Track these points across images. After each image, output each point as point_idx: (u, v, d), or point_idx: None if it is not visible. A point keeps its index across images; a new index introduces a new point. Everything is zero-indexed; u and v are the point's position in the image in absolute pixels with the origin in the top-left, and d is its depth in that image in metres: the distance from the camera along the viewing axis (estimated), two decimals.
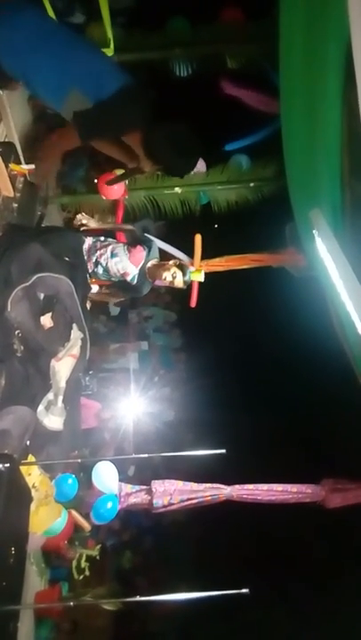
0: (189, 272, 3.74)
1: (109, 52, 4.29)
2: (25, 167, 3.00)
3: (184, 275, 3.54)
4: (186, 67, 4.60)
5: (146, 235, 3.68)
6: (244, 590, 2.18)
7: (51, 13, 3.84)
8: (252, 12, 4.29)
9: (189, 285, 4.68)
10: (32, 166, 3.03)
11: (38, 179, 3.20)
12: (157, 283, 3.72)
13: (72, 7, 4.35)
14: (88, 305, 3.45)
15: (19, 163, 2.99)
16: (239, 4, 4.39)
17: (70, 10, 4.34)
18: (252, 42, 4.31)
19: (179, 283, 3.52)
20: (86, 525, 4.81)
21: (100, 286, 4.10)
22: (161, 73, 4.58)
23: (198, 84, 4.65)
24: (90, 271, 3.48)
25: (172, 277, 3.48)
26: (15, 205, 3.02)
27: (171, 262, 3.58)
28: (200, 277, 4.56)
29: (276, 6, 3.17)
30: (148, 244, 3.55)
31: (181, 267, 3.56)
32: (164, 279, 3.49)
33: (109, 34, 4.18)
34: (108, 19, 4.05)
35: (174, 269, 3.49)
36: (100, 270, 3.41)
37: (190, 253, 4.76)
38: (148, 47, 4.46)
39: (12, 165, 2.89)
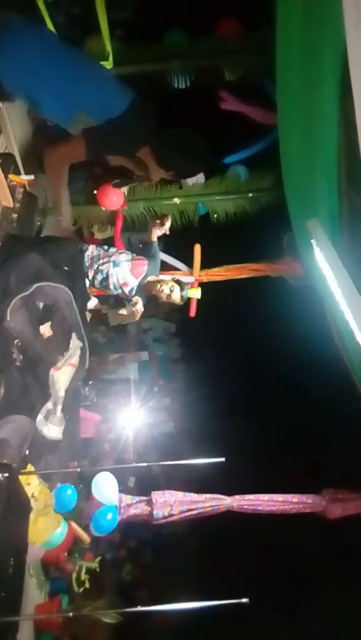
0: (187, 288, 3.81)
1: (108, 64, 4.35)
2: (24, 178, 3.02)
3: (182, 290, 3.60)
4: (184, 79, 4.64)
5: (150, 248, 3.73)
6: (243, 600, 2.16)
7: (50, 27, 3.89)
8: (250, 23, 4.33)
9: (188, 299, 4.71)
10: (31, 177, 3.06)
11: (55, 198, 3.22)
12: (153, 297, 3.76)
13: (71, 21, 4.40)
14: (88, 316, 3.47)
15: (18, 173, 3.02)
16: (236, 16, 4.43)
17: (69, 23, 4.39)
18: (250, 53, 4.35)
19: (176, 297, 3.59)
20: (86, 537, 4.78)
21: (98, 297, 4.12)
22: (159, 85, 4.62)
23: (196, 96, 4.69)
24: (89, 278, 3.51)
25: (170, 291, 3.55)
26: (14, 216, 3.04)
27: (169, 277, 3.64)
28: (197, 294, 4.60)
29: (273, 17, 3.21)
30: (151, 259, 3.61)
31: (179, 282, 3.63)
32: (162, 292, 3.54)
33: (108, 47, 4.23)
34: (107, 32, 4.11)
35: (172, 283, 3.57)
36: (99, 278, 3.43)
37: (189, 264, 4.79)
38: (146, 60, 4.50)
39: (11, 176, 2.91)
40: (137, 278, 3.51)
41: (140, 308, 3.46)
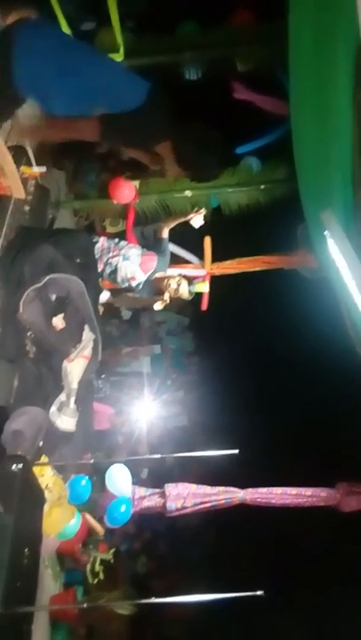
0: (195, 283, 3.82)
1: (119, 56, 4.33)
2: (36, 170, 3.02)
3: (189, 284, 3.62)
4: (196, 70, 4.61)
5: (161, 243, 3.74)
6: (258, 592, 2.16)
7: (61, 19, 3.88)
8: (263, 13, 4.29)
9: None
10: (43, 169, 3.05)
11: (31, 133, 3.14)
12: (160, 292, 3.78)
13: (82, 13, 4.38)
14: (100, 310, 3.48)
15: (30, 166, 3.02)
16: (249, 7, 4.39)
17: (80, 16, 4.37)
18: (262, 44, 4.30)
19: (184, 292, 3.60)
20: (100, 529, 4.81)
21: (111, 290, 4.14)
22: (171, 77, 4.59)
23: (208, 88, 4.66)
24: (99, 271, 3.52)
25: (177, 285, 3.56)
26: (27, 208, 3.05)
27: (176, 273, 3.67)
28: (205, 289, 4.59)
29: (286, 8, 3.17)
30: (161, 255, 3.61)
31: (187, 277, 3.64)
32: (169, 287, 3.55)
33: (119, 39, 4.21)
34: (118, 24, 4.08)
35: (179, 278, 3.59)
36: (107, 270, 3.45)
37: (201, 257, 4.78)
38: (157, 51, 4.48)
39: (23, 168, 2.91)
40: (145, 273, 3.52)
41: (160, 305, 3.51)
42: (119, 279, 3.50)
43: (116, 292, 4.14)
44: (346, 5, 2.42)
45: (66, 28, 3.94)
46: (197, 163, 2.85)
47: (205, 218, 4.85)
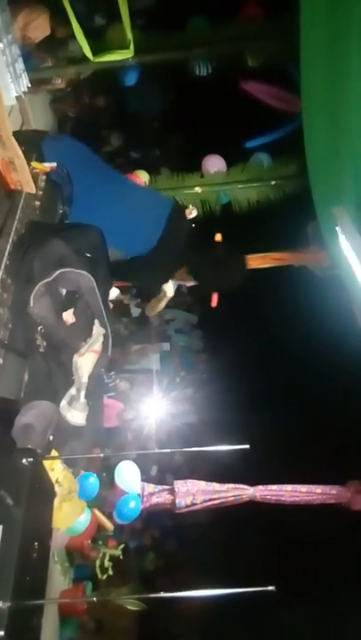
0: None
1: (129, 53, 4.32)
2: (47, 165, 3.02)
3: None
4: (206, 66, 4.60)
5: None
6: (269, 588, 2.14)
7: (72, 17, 3.87)
8: (272, 8, 4.27)
9: None
10: (54, 164, 3.05)
11: None
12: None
13: (92, 10, 4.39)
14: (110, 306, 3.48)
15: (41, 161, 3.02)
16: (259, 2, 4.37)
17: (91, 13, 4.38)
18: (273, 39, 4.29)
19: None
20: (109, 525, 4.81)
21: (120, 288, 4.13)
22: (181, 72, 4.59)
23: (218, 83, 4.65)
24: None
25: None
26: (37, 203, 3.05)
27: None
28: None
29: (297, 2, 3.15)
30: None
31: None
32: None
33: (129, 35, 4.21)
34: (128, 21, 4.07)
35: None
36: None
37: None
38: (167, 47, 4.48)
39: (34, 163, 2.91)
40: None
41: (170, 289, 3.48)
42: None
43: (125, 289, 4.15)
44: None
45: (76, 26, 3.95)
46: (219, 283, 2.87)
47: (215, 214, 4.86)
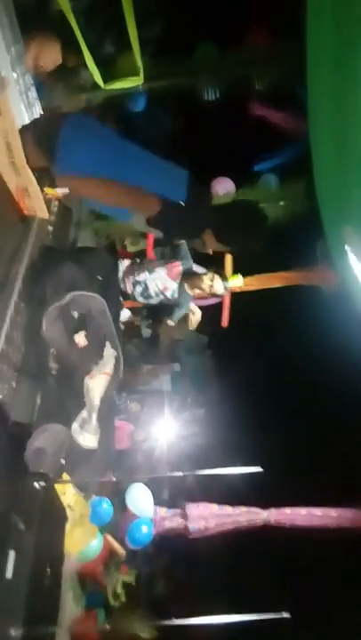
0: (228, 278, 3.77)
1: (139, 80, 4.42)
2: (59, 191, 3.07)
3: (223, 280, 3.57)
4: (214, 90, 4.69)
5: (180, 249, 3.72)
6: (284, 614, 2.10)
7: (82, 44, 3.97)
8: (278, 31, 4.35)
9: (220, 305, 4.68)
10: (66, 190, 3.10)
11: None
12: (197, 296, 3.74)
13: (102, 39, 4.50)
14: (121, 327, 3.49)
15: (54, 187, 3.07)
16: (265, 25, 4.45)
17: (101, 41, 4.49)
18: (280, 62, 4.36)
19: (219, 287, 3.57)
20: (122, 550, 4.75)
21: (132, 309, 4.14)
22: (190, 98, 4.67)
23: (227, 107, 4.72)
24: (129, 293, 3.54)
25: (211, 281, 3.52)
26: (50, 228, 3.10)
27: (209, 271, 3.63)
28: (239, 282, 4.53)
29: (303, 25, 3.21)
30: (184, 260, 3.60)
31: (220, 273, 3.59)
32: (203, 284, 3.52)
33: (139, 63, 4.30)
34: (138, 48, 4.17)
35: (211, 274, 3.57)
36: (139, 290, 3.47)
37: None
38: (176, 74, 4.57)
39: (47, 189, 2.96)
40: (175, 280, 3.51)
41: (198, 317, 3.48)
42: (153, 293, 3.51)
43: (136, 311, 4.15)
44: None
45: (87, 55, 4.04)
46: (241, 244, 2.88)
47: None
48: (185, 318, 3.62)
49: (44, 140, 2.69)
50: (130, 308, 4.13)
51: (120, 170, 2.66)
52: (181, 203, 2.63)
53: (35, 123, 3.03)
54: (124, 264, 3.55)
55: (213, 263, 4.72)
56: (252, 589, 6.03)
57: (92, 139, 2.70)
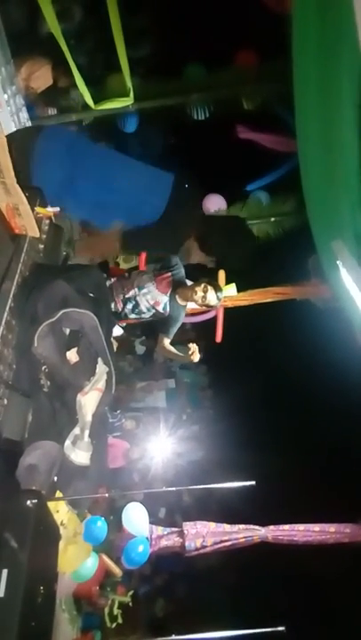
0: (221, 289, 3.71)
1: (129, 100, 4.50)
2: (50, 210, 3.10)
3: (216, 291, 3.49)
4: (203, 110, 4.77)
5: (170, 260, 3.65)
6: (280, 628, 2.08)
7: (73, 67, 4.05)
8: (265, 53, 4.45)
9: (214, 320, 4.70)
10: (57, 209, 3.13)
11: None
12: (191, 312, 3.69)
13: (93, 60, 4.59)
14: (114, 345, 3.49)
15: (44, 206, 3.10)
16: (252, 47, 4.56)
17: (92, 63, 4.57)
18: (267, 83, 4.47)
19: (212, 298, 3.44)
20: (117, 570, 4.69)
21: (125, 326, 4.13)
22: (179, 118, 4.75)
23: (216, 127, 4.80)
24: (119, 312, 3.53)
25: (204, 292, 3.42)
26: (41, 246, 3.11)
27: (200, 282, 3.53)
28: (233, 291, 4.51)
29: (289, 46, 3.28)
30: (174, 270, 3.57)
31: (212, 284, 3.50)
32: (195, 295, 3.44)
33: (129, 83, 4.39)
34: (128, 69, 4.26)
35: (204, 285, 3.44)
36: (129, 307, 3.46)
37: None
38: (166, 94, 4.66)
39: (37, 208, 2.99)
40: (165, 293, 3.48)
41: (197, 356, 3.43)
42: (144, 309, 3.48)
43: (129, 327, 4.15)
44: (349, 41, 2.50)
45: (78, 76, 4.12)
46: (229, 254, 2.87)
47: None
48: (187, 350, 3.53)
49: (19, 154, 2.71)
50: (123, 326, 4.12)
51: (99, 176, 2.68)
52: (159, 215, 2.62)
53: (11, 138, 3.04)
54: (113, 282, 3.55)
55: (206, 277, 4.78)
56: (248, 604, 5.95)
57: (67, 149, 2.73)
